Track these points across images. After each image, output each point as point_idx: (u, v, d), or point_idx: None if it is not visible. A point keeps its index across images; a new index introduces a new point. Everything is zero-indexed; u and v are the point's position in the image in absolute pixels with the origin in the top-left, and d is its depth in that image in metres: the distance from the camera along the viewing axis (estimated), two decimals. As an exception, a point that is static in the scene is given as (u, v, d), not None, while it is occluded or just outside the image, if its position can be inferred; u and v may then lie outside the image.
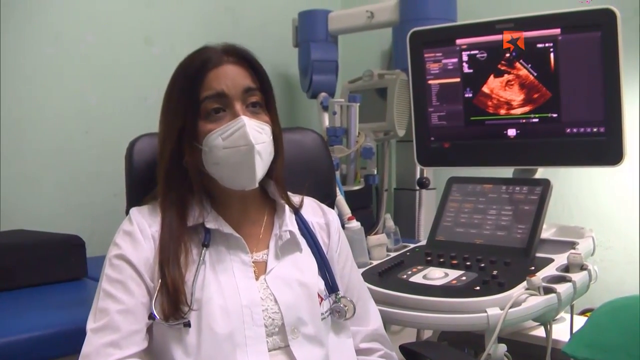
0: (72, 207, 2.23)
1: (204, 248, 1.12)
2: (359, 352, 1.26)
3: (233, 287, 1.11)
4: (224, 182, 1.14)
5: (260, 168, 1.12)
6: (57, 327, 1.43)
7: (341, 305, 1.20)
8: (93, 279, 1.76)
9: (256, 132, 1.10)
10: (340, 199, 1.79)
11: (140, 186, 1.27)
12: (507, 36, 1.77)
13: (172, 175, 1.14)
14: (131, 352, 1.05)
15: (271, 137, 1.15)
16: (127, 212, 1.19)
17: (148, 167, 1.29)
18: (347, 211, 1.79)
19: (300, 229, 1.23)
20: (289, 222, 1.20)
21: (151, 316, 1.07)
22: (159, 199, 1.16)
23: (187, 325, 1.06)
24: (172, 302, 1.06)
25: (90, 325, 1.07)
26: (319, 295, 1.17)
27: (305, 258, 1.21)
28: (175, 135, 1.12)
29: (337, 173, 2.18)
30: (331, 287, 1.21)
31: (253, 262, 1.15)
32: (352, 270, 1.31)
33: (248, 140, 1.09)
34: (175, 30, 2.52)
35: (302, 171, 1.33)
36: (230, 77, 1.12)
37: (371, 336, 1.29)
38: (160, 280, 1.08)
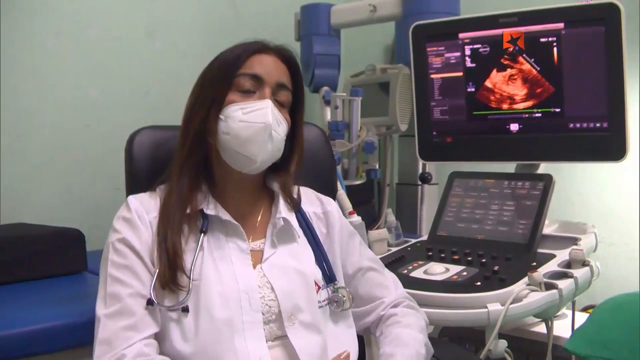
0: (73, 201, 2.22)
1: (202, 234, 1.13)
2: (384, 318, 1.26)
3: (231, 274, 1.11)
4: (226, 155, 1.14)
5: (267, 152, 1.13)
6: (56, 320, 1.42)
7: (339, 296, 1.19)
8: (93, 273, 1.75)
9: (275, 120, 1.13)
10: (342, 193, 1.79)
11: (140, 179, 1.27)
12: (507, 36, 1.76)
13: (197, 143, 1.15)
14: (149, 334, 1.05)
15: (284, 136, 1.16)
16: (128, 205, 1.18)
17: (148, 160, 1.28)
18: (348, 206, 1.79)
19: (297, 219, 1.23)
20: (283, 210, 1.20)
21: (149, 301, 1.06)
22: (175, 169, 1.16)
23: (185, 310, 1.06)
24: (171, 267, 1.06)
25: (102, 310, 1.06)
26: (316, 283, 1.17)
27: (302, 247, 1.21)
28: (207, 105, 1.14)
29: (339, 167, 2.17)
30: (329, 277, 1.21)
31: (250, 251, 1.16)
32: (361, 244, 1.33)
33: (266, 119, 1.11)
34: (177, 24, 2.51)
35: (303, 165, 1.32)
36: (270, 66, 1.16)
37: (394, 302, 1.29)
38: (158, 251, 1.08)
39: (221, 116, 1.12)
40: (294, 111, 1.22)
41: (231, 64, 1.14)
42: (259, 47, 1.16)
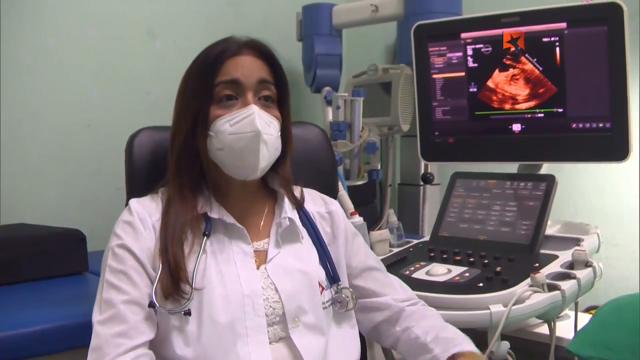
0: (74, 201, 2.22)
1: (205, 237, 1.12)
2: (405, 314, 1.26)
3: (234, 277, 1.10)
4: (226, 169, 1.13)
5: (265, 158, 1.11)
6: (57, 321, 1.42)
7: (343, 296, 1.19)
8: (94, 274, 1.75)
9: (264, 123, 1.11)
10: (343, 194, 1.78)
11: (141, 180, 1.27)
12: (507, 36, 1.75)
13: (184, 159, 1.15)
14: (141, 341, 1.04)
15: (279, 133, 1.15)
16: (127, 206, 1.18)
17: (148, 161, 1.28)
18: (350, 206, 1.78)
19: (301, 218, 1.23)
20: (288, 209, 1.20)
21: (151, 304, 1.06)
22: (169, 182, 1.16)
23: (188, 313, 1.06)
24: (173, 279, 1.05)
25: (96, 317, 1.06)
26: (319, 284, 1.17)
27: (306, 248, 1.21)
28: (190, 120, 1.13)
29: (341, 168, 2.17)
30: (332, 277, 1.20)
31: (254, 251, 1.15)
32: (365, 245, 1.33)
33: (255, 127, 1.09)
34: (178, 23, 2.51)
35: (304, 166, 1.32)
36: (246, 67, 1.13)
37: (411, 302, 1.29)
38: (160, 259, 1.07)
39: (210, 133, 1.11)
40: (280, 103, 1.19)
41: (207, 74, 1.12)
42: (233, 51, 1.13)
